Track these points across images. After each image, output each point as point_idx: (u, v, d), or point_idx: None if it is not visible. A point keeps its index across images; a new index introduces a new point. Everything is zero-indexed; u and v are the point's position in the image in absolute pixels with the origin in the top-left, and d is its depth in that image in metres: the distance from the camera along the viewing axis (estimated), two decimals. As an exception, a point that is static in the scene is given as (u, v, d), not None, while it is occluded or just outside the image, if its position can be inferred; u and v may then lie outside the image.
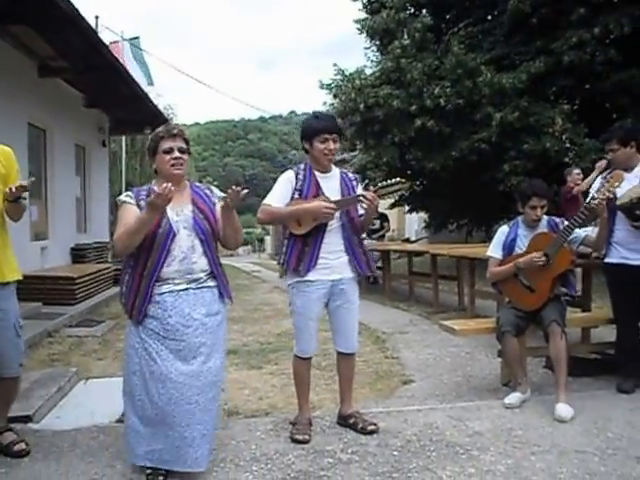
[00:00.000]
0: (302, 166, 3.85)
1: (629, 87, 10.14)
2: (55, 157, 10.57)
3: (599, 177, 4.68)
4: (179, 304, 3.19)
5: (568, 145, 9.95)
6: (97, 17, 17.65)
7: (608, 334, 4.90)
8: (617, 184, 4.19)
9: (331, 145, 3.74)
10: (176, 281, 3.22)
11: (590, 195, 4.46)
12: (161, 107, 19.74)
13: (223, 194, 3.35)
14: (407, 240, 18.38)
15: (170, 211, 3.22)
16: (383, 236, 12.36)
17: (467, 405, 4.32)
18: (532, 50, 10.71)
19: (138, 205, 3.24)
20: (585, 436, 3.65)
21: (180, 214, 3.28)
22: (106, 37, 19.63)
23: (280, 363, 5.69)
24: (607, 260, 4.56)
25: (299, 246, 3.72)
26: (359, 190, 3.86)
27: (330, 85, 12.10)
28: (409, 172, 12.83)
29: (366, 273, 3.92)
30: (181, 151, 3.32)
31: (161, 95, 23.41)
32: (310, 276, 3.70)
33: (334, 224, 3.73)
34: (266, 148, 78.13)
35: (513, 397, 4.23)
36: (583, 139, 10.08)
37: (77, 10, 7.20)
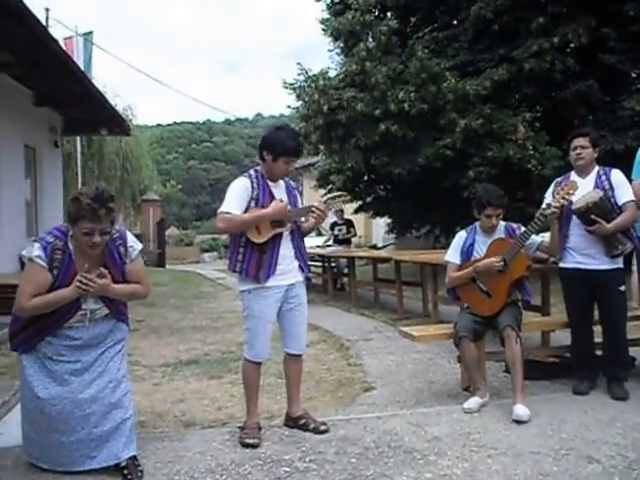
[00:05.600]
0: (253, 173, 3.91)
1: (587, 97, 10.38)
2: (1, 158, 9.88)
3: (553, 183, 4.75)
4: (74, 333, 3.35)
5: (531, 152, 10.06)
6: (47, 9, 17.08)
7: (567, 338, 4.96)
8: (572, 192, 4.27)
9: (291, 167, 3.89)
10: (75, 325, 3.36)
11: (545, 201, 4.53)
12: (120, 108, 19.12)
13: (139, 245, 3.52)
14: (374, 246, 18.41)
15: (79, 276, 3.21)
16: (349, 242, 12.42)
17: (427, 411, 4.36)
18: (495, 57, 10.83)
19: (51, 268, 3.24)
20: (540, 438, 3.71)
21: None
22: (60, 32, 18.96)
23: (240, 372, 5.63)
24: (562, 265, 4.64)
25: (257, 254, 3.80)
26: (299, 197, 4.08)
27: (293, 85, 12.03)
28: (373, 177, 12.89)
29: (307, 275, 4.09)
30: (103, 233, 3.23)
31: (119, 95, 22.77)
32: (269, 282, 3.80)
33: (285, 232, 3.86)
34: (231, 152, 76.77)
35: (472, 402, 4.28)
36: (545, 147, 10.21)
37: (21, 1, 6.71)
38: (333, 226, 12.53)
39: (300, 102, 12.05)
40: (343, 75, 11.68)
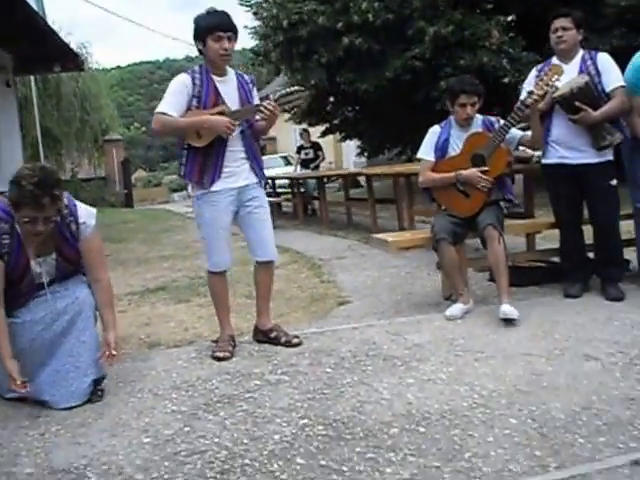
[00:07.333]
0: (197, 69, 3.53)
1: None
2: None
3: (533, 70, 4.36)
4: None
5: (505, 61, 9.52)
6: None
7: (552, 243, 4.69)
8: (556, 77, 3.88)
9: (226, 44, 3.42)
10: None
11: (524, 90, 4.17)
12: (73, 47, 18.53)
13: (93, 220, 3.09)
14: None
15: (33, 262, 2.98)
16: (318, 166, 11.97)
17: (406, 320, 4.08)
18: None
19: (1, 255, 2.89)
20: (531, 340, 3.46)
21: (43, 264, 3.03)
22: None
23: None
24: (545, 161, 4.29)
25: (200, 158, 3.46)
26: (255, 93, 3.68)
27: (249, 2, 11.37)
28: (340, 97, 12.34)
29: (265, 179, 3.74)
30: (47, 220, 2.83)
31: (72, 33, 21.70)
32: (216, 186, 3.47)
33: (232, 134, 3.46)
34: (195, 89, 75.04)
35: (455, 308, 4.00)
36: (521, 52, 9.68)
37: None
38: (300, 149, 12.06)
39: (258, 21, 11.39)
40: (303, -13, 10.99)
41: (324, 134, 14.51)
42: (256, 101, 3.62)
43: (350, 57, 10.49)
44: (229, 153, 3.48)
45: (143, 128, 50.10)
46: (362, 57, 10.41)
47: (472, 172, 4.03)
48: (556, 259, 4.73)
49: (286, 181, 12.68)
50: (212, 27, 3.40)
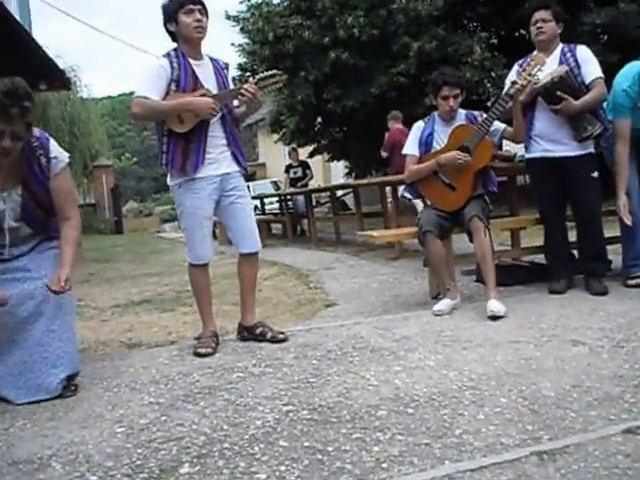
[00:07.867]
0: (172, 53, 3.42)
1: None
2: None
3: (515, 65, 4.37)
4: None
5: (489, 75, 9.59)
6: None
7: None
8: (539, 67, 3.89)
9: (198, 15, 3.35)
10: None
11: (507, 83, 4.17)
12: (62, 67, 18.33)
13: (65, 156, 2.94)
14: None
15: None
16: (306, 185, 11.95)
17: (394, 317, 4.01)
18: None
19: None
20: (519, 330, 3.40)
21: (7, 200, 2.82)
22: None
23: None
24: (528, 156, 4.29)
25: (182, 143, 3.36)
26: (230, 79, 3.63)
27: (237, 18, 11.42)
28: (327, 117, 12.38)
29: (246, 167, 3.64)
30: (16, 137, 2.68)
31: (60, 56, 21.43)
32: (199, 173, 3.38)
33: (215, 117, 3.41)
34: (186, 117, 75.14)
35: (442, 304, 3.95)
36: (502, 70, 9.74)
37: None
38: (288, 168, 12.02)
39: (244, 37, 11.44)
40: (288, 1, 11.09)
41: (312, 154, 14.52)
42: (229, 86, 3.55)
43: (336, 73, 10.53)
44: (210, 139, 3.40)
45: (134, 159, 49.79)
46: (348, 73, 10.46)
47: (451, 154, 4.00)
48: (540, 261, 4.71)
49: (276, 205, 12.61)
50: (182, 2, 3.34)
